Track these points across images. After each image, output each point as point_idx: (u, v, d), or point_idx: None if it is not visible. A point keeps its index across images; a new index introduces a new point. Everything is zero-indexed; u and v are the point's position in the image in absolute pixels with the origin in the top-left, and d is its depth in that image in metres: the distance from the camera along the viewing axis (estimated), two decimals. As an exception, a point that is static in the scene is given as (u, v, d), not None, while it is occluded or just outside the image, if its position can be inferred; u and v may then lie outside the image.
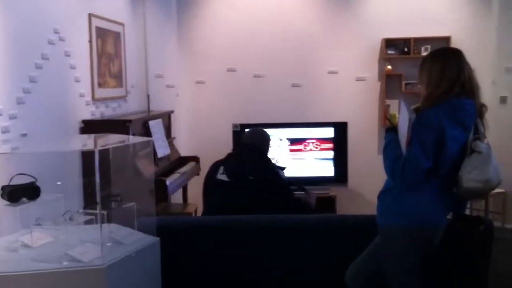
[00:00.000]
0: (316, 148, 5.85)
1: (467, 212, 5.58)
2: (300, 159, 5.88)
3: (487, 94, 5.85)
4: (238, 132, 5.87)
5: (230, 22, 6.31)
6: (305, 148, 5.87)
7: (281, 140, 5.87)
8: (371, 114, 6.21)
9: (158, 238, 2.75)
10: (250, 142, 3.75)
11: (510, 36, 5.69)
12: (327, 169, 5.87)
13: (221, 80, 6.37)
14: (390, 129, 2.76)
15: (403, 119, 2.63)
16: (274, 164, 3.80)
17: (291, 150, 5.89)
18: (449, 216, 2.89)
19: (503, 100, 5.78)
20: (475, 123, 2.65)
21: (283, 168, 3.86)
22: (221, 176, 3.58)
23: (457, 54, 2.71)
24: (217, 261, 3.11)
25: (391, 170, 2.62)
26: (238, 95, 6.36)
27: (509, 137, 5.74)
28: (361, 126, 6.14)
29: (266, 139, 3.81)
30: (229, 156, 3.77)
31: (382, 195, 2.73)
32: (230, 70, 6.35)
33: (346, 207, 5.87)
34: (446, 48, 2.86)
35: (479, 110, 2.67)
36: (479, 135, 2.63)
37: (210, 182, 3.67)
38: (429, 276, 2.80)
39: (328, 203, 5.64)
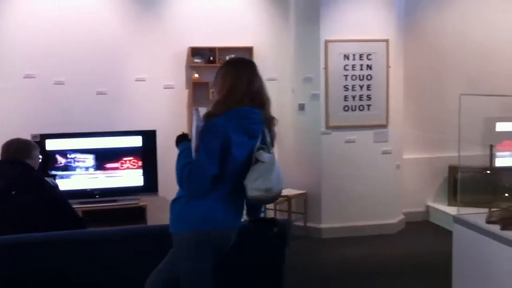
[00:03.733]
0: (134, 166, 5.69)
1: (272, 212, 5.93)
2: (117, 176, 5.67)
3: (287, 101, 6.28)
4: (39, 142, 5.45)
5: (27, 25, 5.87)
6: (122, 166, 5.68)
7: (91, 154, 5.61)
8: (180, 122, 6.21)
9: None
10: (5, 157, 3.42)
11: (306, 48, 6.12)
12: (136, 179, 5.73)
13: (18, 87, 5.88)
14: (183, 139, 2.78)
15: (194, 126, 2.68)
16: (39, 173, 3.51)
17: (107, 168, 5.65)
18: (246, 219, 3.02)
19: (301, 107, 6.18)
20: (263, 132, 2.76)
21: (53, 177, 3.62)
22: None
23: (250, 66, 2.82)
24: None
25: (179, 177, 2.64)
26: (37, 103, 5.92)
27: (307, 141, 6.16)
28: (170, 134, 6.03)
29: (24, 148, 3.47)
30: None
31: (173, 204, 2.76)
32: (27, 76, 5.89)
33: (157, 216, 5.76)
34: (242, 58, 2.99)
35: (268, 121, 2.80)
36: (263, 145, 2.74)
37: None
38: (224, 278, 2.87)
39: (138, 213, 5.51)
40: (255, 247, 3.14)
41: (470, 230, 3.58)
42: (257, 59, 6.19)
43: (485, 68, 6.71)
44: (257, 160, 2.69)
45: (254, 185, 2.66)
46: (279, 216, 6.09)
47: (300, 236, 5.99)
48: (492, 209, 3.72)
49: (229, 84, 2.72)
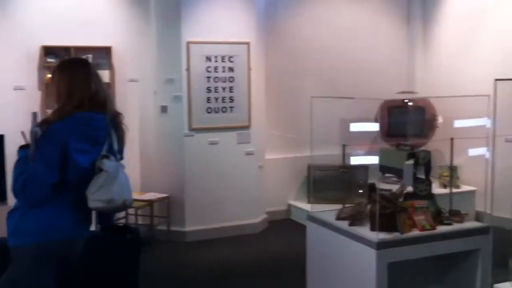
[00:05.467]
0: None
1: (133, 217, 5.76)
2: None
3: (149, 103, 6.15)
4: None
5: None
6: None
7: None
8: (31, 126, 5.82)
9: None
10: None
11: (168, 50, 6.02)
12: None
13: None
14: (24, 146, 2.61)
15: (30, 133, 2.53)
16: None
17: None
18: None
19: (164, 109, 6.07)
20: (109, 138, 2.65)
21: None
22: None
23: (84, 66, 2.69)
24: None
25: (14, 187, 2.49)
26: None
27: (170, 144, 6.07)
28: (20, 139, 5.64)
29: None
30: None
31: (9, 215, 2.58)
32: None
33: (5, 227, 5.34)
34: (74, 59, 2.85)
35: (114, 121, 2.69)
36: (108, 154, 2.63)
37: None
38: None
39: (-16, 225, 5.07)
40: (107, 256, 3.02)
41: (322, 227, 3.72)
42: (117, 59, 6.01)
43: (340, 72, 7.06)
44: (100, 169, 2.58)
45: (94, 196, 2.55)
46: (141, 221, 5.95)
47: (164, 241, 5.89)
48: (346, 205, 3.91)
49: (65, 90, 2.58)
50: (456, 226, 3.49)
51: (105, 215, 2.89)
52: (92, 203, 2.55)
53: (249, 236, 6.16)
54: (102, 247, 2.92)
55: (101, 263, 2.97)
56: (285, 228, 6.55)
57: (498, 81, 2.93)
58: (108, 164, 2.58)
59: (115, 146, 2.69)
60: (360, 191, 6.45)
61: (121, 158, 2.77)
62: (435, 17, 7.30)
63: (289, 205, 6.97)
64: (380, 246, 3.19)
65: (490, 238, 3.46)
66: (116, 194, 2.57)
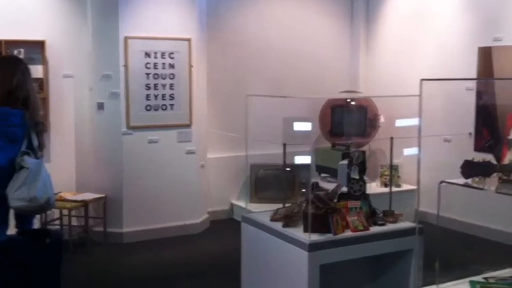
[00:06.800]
0: None
1: (66, 218, 5.53)
2: None
3: (85, 100, 5.93)
4: None
5: None
6: None
7: None
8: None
9: None
10: None
11: (105, 44, 5.82)
12: None
13: None
14: None
15: None
16: None
17: None
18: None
19: (100, 106, 5.86)
20: (28, 136, 2.56)
21: None
22: None
23: (12, 62, 2.68)
24: None
25: None
26: None
27: (107, 142, 5.87)
28: None
29: None
30: None
31: None
32: None
33: None
34: (7, 56, 2.78)
35: (36, 126, 2.61)
36: (28, 150, 2.54)
37: None
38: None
39: None
40: (24, 262, 2.85)
41: (256, 228, 3.63)
42: (51, 54, 5.77)
43: (284, 70, 7.01)
44: (22, 167, 2.48)
45: (16, 194, 2.45)
46: (76, 223, 5.73)
47: (100, 243, 5.69)
48: (286, 205, 3.83)
49: None
50: (389, 227, 3.46)
51: (24, 218, 2.75)
52: (13, 202, 2.46)
53: (190, 236, 6.02)
54: (19, 252, 2.76)
55: (19, 269, 2.82)
56: (227, 228, 6.43)
57: (424, 81, 2.90)
58: (29, 161, 2.50)
59: (35, 143, 2.60)
60: (303, 190, 6.42)
61: (41, 156, 2.67)
62: (378, 17, 7.34)
63: (232, 205, 6.87)
64: (312, 247, 3.13)
65: (416, 239, 3.39)
66: (39, 192, 2.49)
